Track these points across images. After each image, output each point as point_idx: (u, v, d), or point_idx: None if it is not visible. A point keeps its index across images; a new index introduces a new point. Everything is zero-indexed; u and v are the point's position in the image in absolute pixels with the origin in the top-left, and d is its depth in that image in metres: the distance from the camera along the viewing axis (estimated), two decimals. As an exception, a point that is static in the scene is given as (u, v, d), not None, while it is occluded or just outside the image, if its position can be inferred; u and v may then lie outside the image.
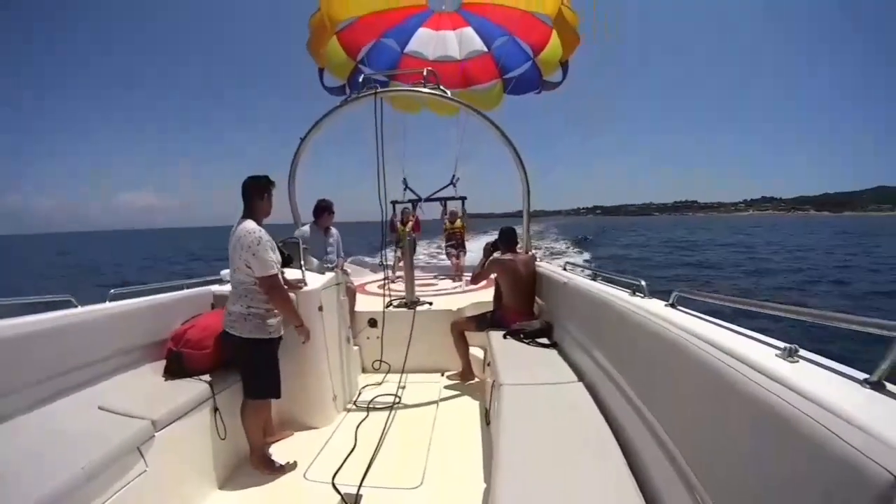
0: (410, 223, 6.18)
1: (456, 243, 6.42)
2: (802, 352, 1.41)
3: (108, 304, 3.30)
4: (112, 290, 3.50)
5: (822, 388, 1.15)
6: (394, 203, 6.20)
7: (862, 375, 1.21)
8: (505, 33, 5.09)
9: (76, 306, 3.08)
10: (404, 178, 6.11)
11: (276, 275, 3.04)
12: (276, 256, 3.11)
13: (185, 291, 3.96)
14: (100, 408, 2.67)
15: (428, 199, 5.99)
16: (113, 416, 2.61)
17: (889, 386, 1.16)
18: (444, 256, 7.53)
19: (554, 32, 5.16)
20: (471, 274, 4.97)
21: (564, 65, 5.38)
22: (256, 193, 3.11)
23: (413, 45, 5.02)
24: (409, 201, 6.30)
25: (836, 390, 1.14)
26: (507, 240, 4.61)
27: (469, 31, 5.09)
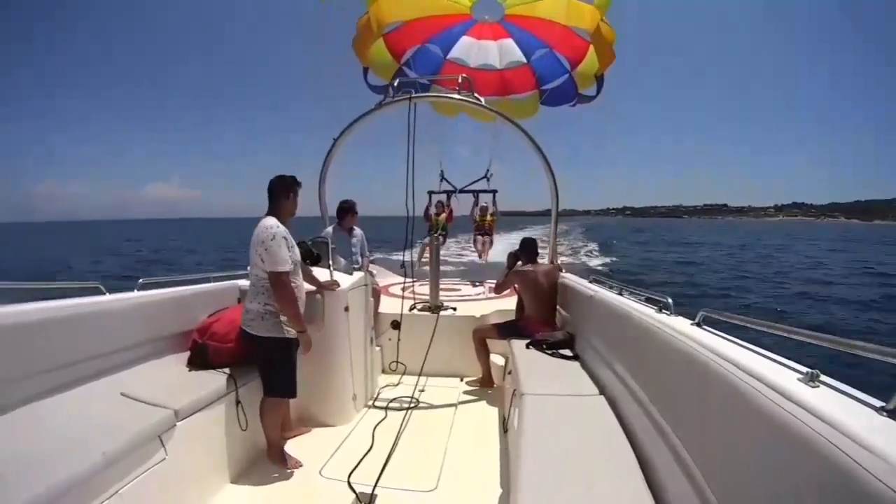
0: (444, 214, 6.32)
1: (484, 232, 6.51)
2: (823, 377, 1.43)
3: (135, 294, 3.33)
4: (141, 280, 3.51)
5: (841, 414, 1.17)
6: (430, 193, 6.37)
7: (879, 403, 1.24)
8: (544, 46, 5.29)
9: (104, 294, 3.12)
10: (441, 171, 6.29)
11: (286, 273, 3.00)
12: (291, 255, 3.09)
13: (212, 284, 4.02)
14: (122, 395, 2.73)
15: (462, 191, 6.16)
16: (135, 403, 2.64)
17: None
18: (470, 253, 7.65)
19: (591, 47, 5.35)
20: (494, 282, 5.06)
21: (599, 79, 5.56)
22: (282, 192, 3.16)
23: (455, 52, 5.27)
24: (445, 192, 6.48)
25: (854, 417, 1.16)
26: (528, 250, 4.70)
27: (510, 42, 5.31)
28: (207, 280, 4.08)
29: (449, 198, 6.55)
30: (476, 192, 6.23)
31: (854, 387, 1.37)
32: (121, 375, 2.96)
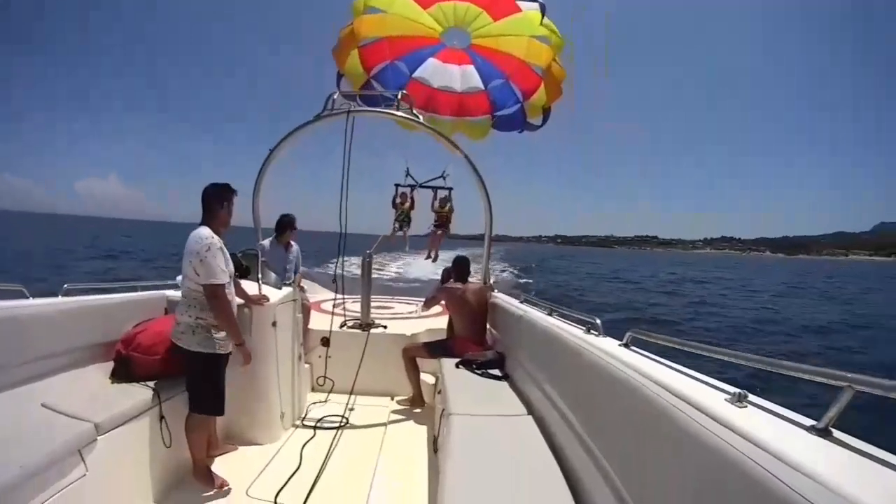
0: (408, 204, 6.62)
1: (441, 223, 6.80)
2: (752, 397, 1.45)
3: (59, 300, 3.20)
4: (66, 285, 3.37)
5: (770, 434, 1.18)
6: (396, 185, 6.52)
7: (810, 422, 1.25)
8: (502, 76, 5.89)
9: (27, 297, 3.02)
10: (407, 168, 6.38)
11: (222, 285, 2.92)
12: (227, 267, 3.01)
13: (139, 294, 3.89)
14: (43, 405, 2.58)
15: (422, 186, 6.35)
16: (56, 415, 2.50)
17: (836, 433, 1.20)
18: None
19: (543, 82, 6.02)
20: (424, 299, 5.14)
21: (546, 111, 6.25)
22: (216, 201, 3.06)
23: (421, 72, 5.76)
24: (408, 185, 6.58)
25: (785, 437, 1.17)
26: (459, 269, 4.78)
27: (471, 69, 5.88)
28: (134, 289, 3.95)
29: (412, 190, 6.75)
30: (434, 189, 6.48)
31: (783, 406, 1.39)
32: (41, 384, 2.83)
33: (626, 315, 18.53)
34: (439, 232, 6.56)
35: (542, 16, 5.94)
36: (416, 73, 5.77)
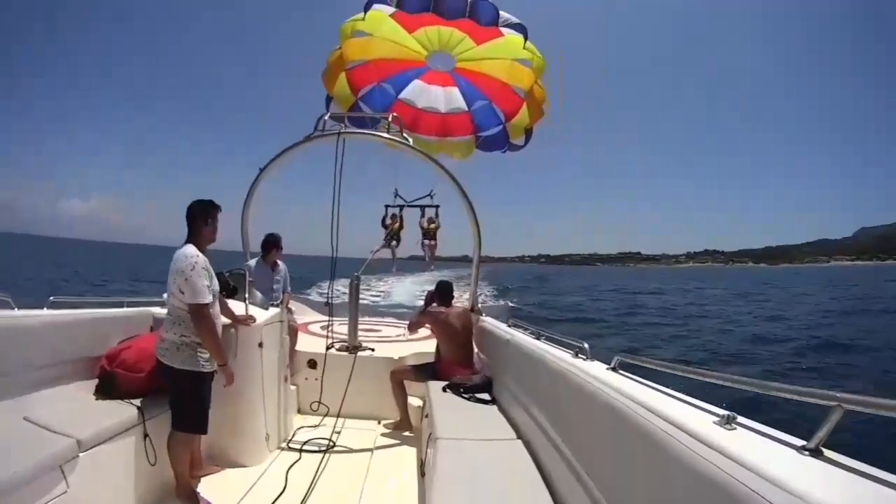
0: (397, 224, 6.64)
1: (430, 237, 6.84)
2: (740, 419, 1.43)
3: (45, 312, 3.17)
4: (51, 298, 3.34)
5: (760, 456, 1.17)
6: (386, 206, 6.46)
7: (800, 442, 1.24)
8: (485, 98, 6.01)
9: (13, 308, 2.98)
10: (395, 189, 6.34)
11: (207, 305, 2.90)
12: (212, 285, 2.99)
13: (125, 310, 3.84)
14: (25, 419, 2.53)
15: (409, 205, 6.32)
16: (38, 429, 2.45)
17: (827, 453, 1.19)
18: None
19: (525, 104, 6.15)
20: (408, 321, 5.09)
21: (528, 131, 6.37)
22: (200, 218, 3.03)
23: (406, 93, 5.85)
24: (398, 205, 6.53)
25: (774, 458, 1.16)
26: (442, 293, 4.77)
27: (455, 91, 5.99)
28: (121, 305, 3.91)
29: (401, 210, 6.74)
30: (422, 207, 6.49)
31: (773, 427, 1.39)
32: (24, 398, 2.77)
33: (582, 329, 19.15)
34: (432, 242, 6.59)
35: (525, 39, 6.09)
36: (402, 95, 5.85)
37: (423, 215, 6.79)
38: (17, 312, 2.97)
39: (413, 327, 4.90)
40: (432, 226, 6.64)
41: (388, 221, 6.57)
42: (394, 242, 5.93)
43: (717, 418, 1.46)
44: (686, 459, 1.30)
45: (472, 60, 6.10)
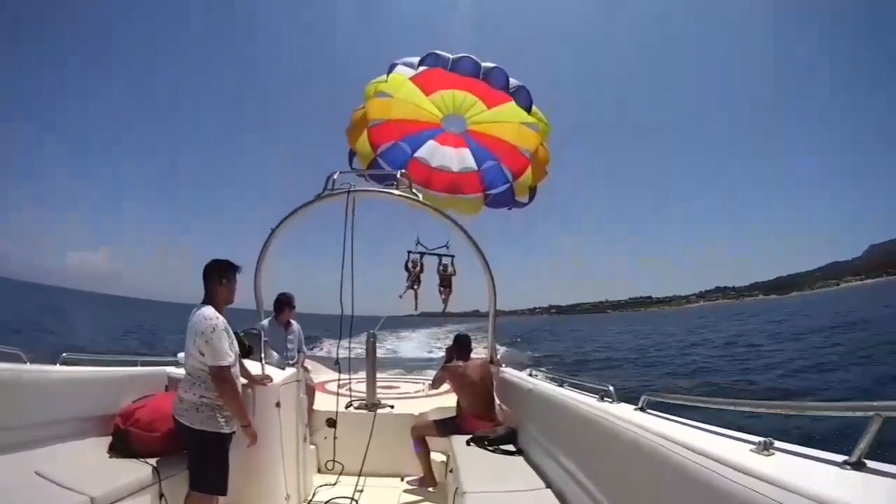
0: (419, 268, 6.97)
1: (445, 284, 7.17)
2: (777, 443, 1.42)
3: (58, 368, 3.16)
4: (64, 354, 3.34)
5: (802, 477, 1.16)
6: (409, 252, 6.52)
7: (841, 458, 1.23)
8: (493, 158, 6.52)
9: (25, 363, 2.97)
10: (417, 238, 6.43)
11: (228, 367, 2.89)
12: (232, 347, 2.98)
13: (139, 369, 3.87)
14: (37, 473, 2.51)
15: (429, 253, 6.40)
16: (50, 485, 2.42)
17: (870, 464, 1.18)
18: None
19: (530, 165, 6.64)
20: (433, 377, 5.08)
21: (533, 190, 6.84)
22: (217, 278, 3.03)
23: (421, 152, 6.38)
24: (419, 252, 6.61)
25: (816, 477, 1.16)
26: (459, 346, 4.76)
27: (466, 151, 6.52)
28: (135, 364, 3.92)
29: (421, 257, 7.09)
30: (440, 256, 6.76)
31: (813, 447, 1.38)
32: (36, 452, 2.74)
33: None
34: (446, 289, 6.92)
35: (531, 105, 6.63)
36: (418, 154, 6.38)
37: (440, 262, 7.22)
38: (29, 367, 2.94)
39: (436, 383, 4.88)
40: (448, 272, 7.05)
41: (410, 266, 6.97)
42: (416, 286, 6.03)
43: (753, 446, 1.46)
44: (727, 491, 1.28)
45: (483, 123, 6.62)
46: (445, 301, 7.17)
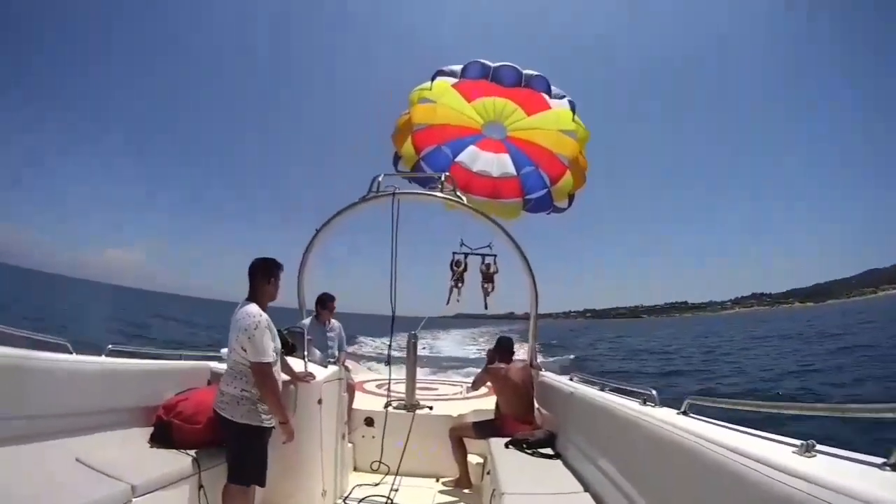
0: (463, 267, 7.14)
1: (488, 280, 7.33)
2: (819, 446, 1.44)
3: (103, 359, 3.22)
4: (110, 346, 3.42)
5: (842, 478, 1.18)
6: (454, 253, 6.70)
7: (880, 460, 1.25)
8: (532, 164, 6.64)
9: (71, 353, 2.99)
10: (461, 239, 6.56)
11: (270, 363, 2.94)
12: (274, 344, 3.04)
13: (183, 363, 3.94)
14: (78, 460, 2.53)
15: (472, 253, 6.50)
16: (91, 471, 2.45)
17: None
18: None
19: (568, 171, 6.74)
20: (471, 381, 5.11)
21: (571, 196, 6.94)
22: (263, 276, 3.10)
23: (462, 157, 6.56)
24: (463, 253, 6.80)
25: (856, 478, 1.18)
26: (501, 349, 4.81)
27: (506, 157, 6.65)
28: (179, 357, 4.04)
29: (466, 257, 7.28)
30: (483, 255, 6.95)
31: (854, 450, 1.40)
32: (78, 440, 2.77)
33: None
34: (487, 285, 7.08)
35: (574, 112, 6.73)
36: (459, 158, 6.56)
37: (483, 261, 7.41)
38: (75, 357, 3.00)
39: (476, 385, 4.94)
40: (491, 270, 7.24)
41: (455, 265, 7.16)
42: (459, 284, 6.14)
43: (795, 448, 1.48)
44: (770, 491, 1.31)
45: (523, 130, 6.76)
46: (487, 296, 7.32)
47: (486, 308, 7.41)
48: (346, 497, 4.15)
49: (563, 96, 6.80)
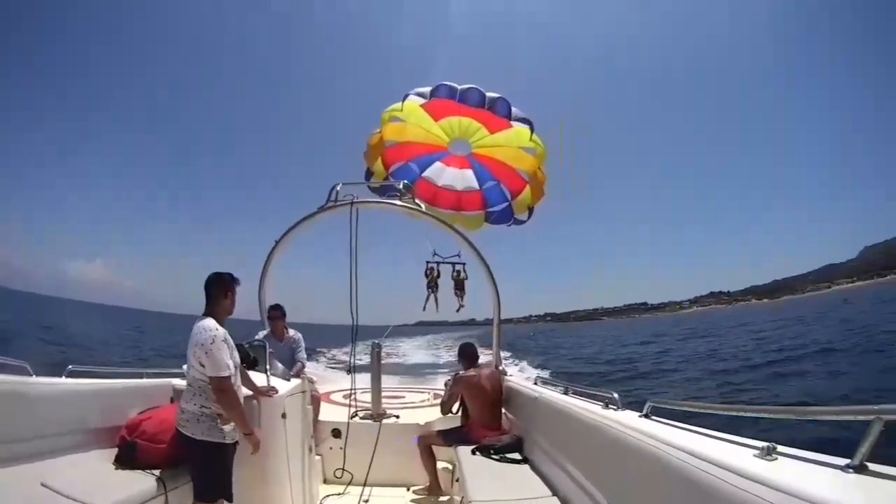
0: (435, 274, 7.46)
1: (459, 287, 7.69)
2: (781, 448, 1.43)
3: (63, 380, 3.18)
4: (70, 367, 3.35)
5: (804, 481, 1.17)
6: (427, 262, 6.99)
7: (843, 461, 1.24)
8: (494, 179, 7.16)
9: (31, 375, 2.94)
10: (433, 249, 6.86)
11: (229, 377, 2.89)
12: (232, 358, 2.99)
13: (145, 381, 3.89)
14: (42, 485, 2.48)
15: (442, 262, 6.76)
16: (55, 496, 2.40)
17: (872, 466, 1.20)
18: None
19: (528, 185, 7.29)
20: (439, 389, 5.25)
21: (531, 209, 7.50)
22: (219, 291, 3.08)
23: (428, 172, 7.00)
24: (435, 261, 6.98)
25: (819, 481, 1.17)
26: (467, 355, 4.82)
27: (469, 172, 7.15)
28: (140, 376, 3.96)
29: (438, 265, 7.57)
30: (453, 264, 6.92)
31: (817, 451, 1.39)
32: (42, 464, 2.71)
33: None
34: (459, 293, 7.46)
35: (532, 132, 7.29)
36: (425, 173, 7.02)
37: (454, 268, 7.81)
38: (35, 379, 2.95)
39: (447, 406, 4.74)
40: (461, 276, 7.67)
41: (428, 273, 7.50)
42: (434, 290, 6.38)
43: (756, 451, 1.48)
44: (730, 496, 1.30)
45: (486, 147, 7.30)
46: (461, 300, 7.70)
47: (458, 310, 7.70)
48: None
49: (523, 118, 7.37)
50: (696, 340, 35.56)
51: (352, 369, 5.00)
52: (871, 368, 15.53)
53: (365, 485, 4.31)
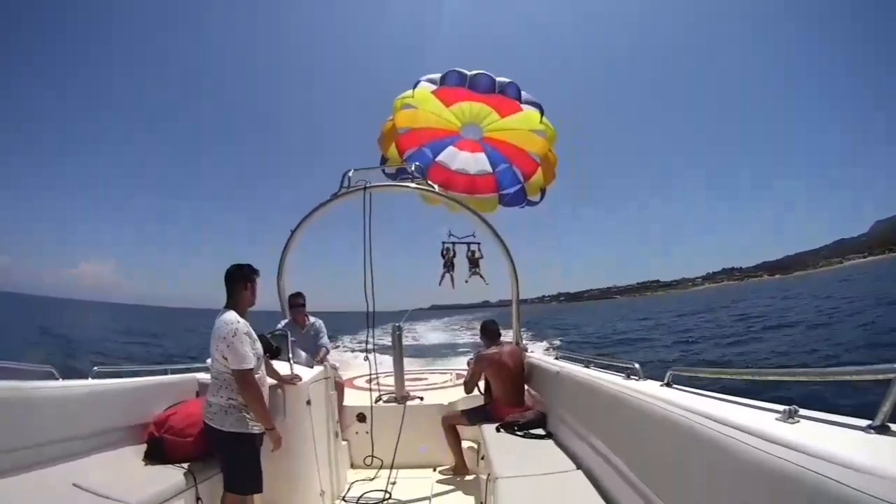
0: (452, 254, 7.67)
1: (474, 265, 7.90)
2: (802, 411, 1.44)
3: (90, 381, 3.23)
4: (95, 368, 3.46)
5: (825, 443, 1.18)
6: (443, 243, 7.19)
7: (865, 422, 1.26)
8: (506, 162, 7.32)
9: (57, 378, 3.02)
10: (449, 230, 7.11)
11: (251, 370, 2.91)
12: (255, 350, 3.01)
13: (170, 377, 3.94)
14: (74, 485, 2.53)
15: (459, 242, 6.93)
16: (88, 495, 2.45)
17: (894, 427, 1.22)
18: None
19: (540, 167, 7.44)
20: (463, 370, 5.23)
21: (543, 190, 7.65)
22: (240, 283, 3.09)
23: (442, 157, 7.17)
24: (451, 242, 7.21)
25: (840, 442, 1.18)
26: (489, 333, 4.83)
27: (482, 156, 7.31)
28: (165, 372, 4.02)
29: (454, 245, 7.40)
30: (468, 244, 7.06)
31: (840, 413, 1.40)
32: (73, 464, 2.76)
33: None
34: (476, 269, 7.66)
35: (542, 115, 7.41)
36: (439, 158, 7.19)
37: (468, 249, 8.01)
38: (61, 382, 3.01)
39: (470, 385, 4.74)
40: (476, 255, 7.87)
41: (445, 253, 7.70)
42: (451, 270, 6.56)
43: (778, 414, 1.49)
44: (755, 459, 1.30)
45: (497, 130, 7.44)
46: (479, 276, 7.90)
47: (486, 284, 7.88)
48: (344, 495, 4.17)
49: (533, 101, 7.48)
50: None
51: (371, 352, 4.98)
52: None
53: (392, 468, 4.36)
